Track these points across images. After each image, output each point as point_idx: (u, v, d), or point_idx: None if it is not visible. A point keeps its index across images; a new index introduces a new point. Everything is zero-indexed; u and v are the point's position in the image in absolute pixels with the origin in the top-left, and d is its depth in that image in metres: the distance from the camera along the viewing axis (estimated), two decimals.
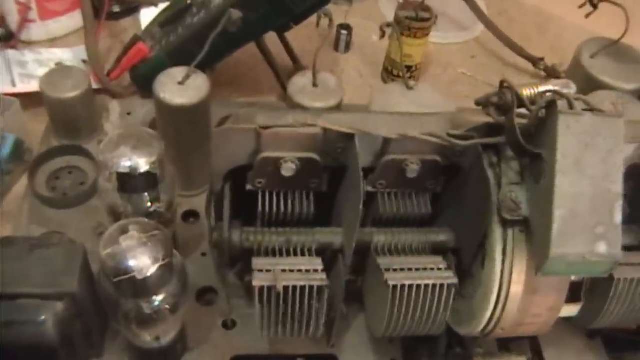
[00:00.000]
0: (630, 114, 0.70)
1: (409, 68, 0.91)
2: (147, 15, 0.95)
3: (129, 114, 0.81)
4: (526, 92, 0.68)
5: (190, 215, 0.74)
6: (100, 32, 0.91)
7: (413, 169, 0.54)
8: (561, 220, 0.46)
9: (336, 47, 0.98)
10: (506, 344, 0.66)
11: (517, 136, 0.49)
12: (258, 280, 0.50)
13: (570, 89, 0.70)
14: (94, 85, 0.81)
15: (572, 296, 0.56)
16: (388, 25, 0.70)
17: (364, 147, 0.52)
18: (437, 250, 0.57)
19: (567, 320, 0.59)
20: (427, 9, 0.88)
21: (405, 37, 0.88)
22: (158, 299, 0.54)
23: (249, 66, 0.93)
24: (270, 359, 0.63)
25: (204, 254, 0.70)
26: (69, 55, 0.90)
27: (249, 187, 0.55)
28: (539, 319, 0.54)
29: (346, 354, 0.64)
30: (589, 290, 0.56)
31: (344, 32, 0.96)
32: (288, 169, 0.53)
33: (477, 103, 0.51)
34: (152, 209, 0.62)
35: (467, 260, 0.55)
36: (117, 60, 0.86)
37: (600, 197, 0.47)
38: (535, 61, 0.98)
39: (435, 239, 0.57)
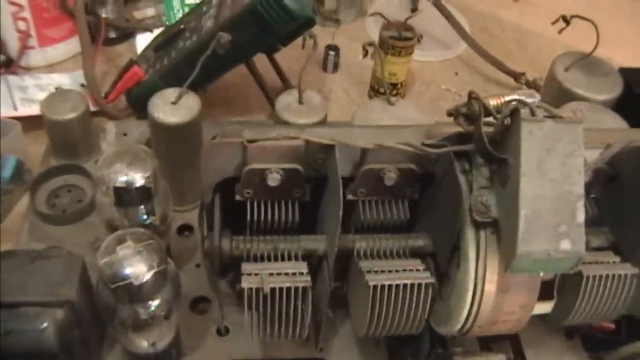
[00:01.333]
0: (601, 123, 0.75)
1: (394, 85, 0.95)
2: (143, 41, 0.99)
3: (125, 134, 0.85)
4: (493, 102, 0.71)
5: (185, 229, 0.77)
6: (97, 57, 0.95)
7: (390, 177, 0.57)
8: (526, 220, 0.50)
9: (324, 68, 1.02)
10: (488, 345, 0.69)
11: (484, 143, 0.52)
12: (246, 283, 0.53)
13: (534, 99, 0.73)
14: (92, 108, 0.85)
15: (545, 294, 0.59)
16: (370, 44, 0.73)
17: (344, 158, 0.56)
18: (416, 254, 0.60)
19: (543, 318, 0.63)
20: (410, 28, 0.92)
21: (389, 55, 0.92)
22: (153, 304, 0.57)
23: (240, 88, 0.97)
24: None
25: (197, 265, 0.73)
26: (67, 80, 0.94)
27: (237, 197, 0.59)
28: (513, 316, 0.57)
29: (334, 357, 0.67)
30: (560, 288, 0.59)
31: (331, 52, 1.00)
32: (273, 179, 0.56)
33: (449, 114, 0.55)
34: (147, 222, 0.65)
35: (444, 263, 0.58)
36: (113, 84, 0.90)
37: (562, 198, 0.51)
38: (516, 76, 1.02)
39: (414, 243, 0.60)
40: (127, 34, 1.02)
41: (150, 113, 0.70)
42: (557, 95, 0.82)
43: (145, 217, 0.65)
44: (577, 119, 0.52)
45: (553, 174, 0.51)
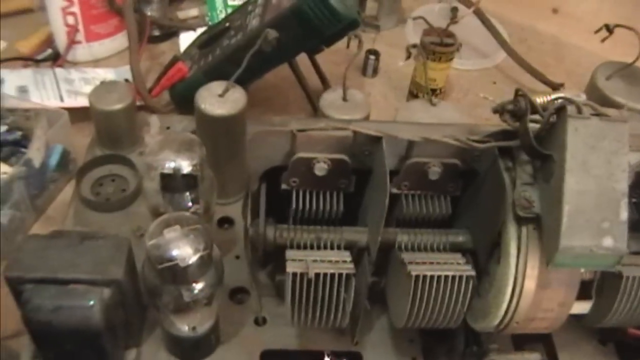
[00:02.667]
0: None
1: (432, 91, 0.96)
2: (186, 39, 1.01)
3: (168, 128, 0.87)
4: (539, 100, 0.72)
5: (225, 221, 0.78)
6: (141, 54, 0.98)
7: (435, 172, 0.58)
8: (569, 215, 0.50)
9: (364, 72, 1.03)
10: (521, 346, 0.69)
11: (530, 139, 0.53)
12: (291, 268, 0.54)
13: (580, 97, 0.74)
14: (137, 102, 0.87)
15: (583, 294, 0.60)
16: (414, 46, 0.75)
17: (390, 150, 0.57)
18: (455, 250, 0.61)
19: (579, 319, 0.63)
20: (451, 35, 0.94)
21: (429, 61, 0.93)
22: (197, 287, 0.58)
23: (280, 89, 0.98)
24: (298, 355, 0.67)
25: (237, 257, 0.74)
26: (112, 75, 0.96)
27: (283, 186, 0.60)
28: (551, 313, 0.58)
29: (370, 352, 0.67)
30: (599, 288, 0.60)
31: (371, 57, 1.01)
32: (320, 169, 0.58)
33: (494, 110, 0.56)
34: (191, 210, 0.67)
35: (483, 260, 0.59)
36: (157, 79, 0.92)
37: (606, 195, 0.51)
38: (555, 87, 1.02)
39: (454, 239, 0.61)
40: (170, 33, 1.05)
41: (197, 104, 0.72)
42: (598, 104, 0.82)
43: (190, 204, 0.66)
44: (623, 118, 0.52)
45: (597, 171, 0.51)
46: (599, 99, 0.83)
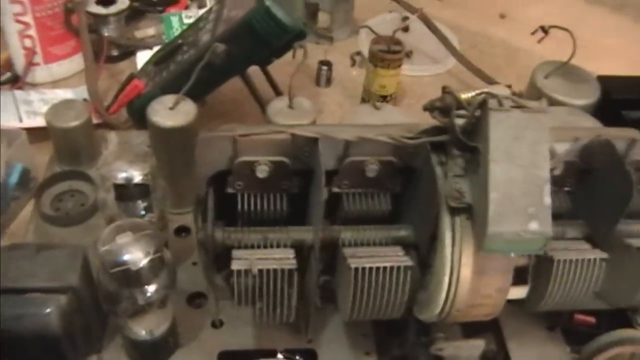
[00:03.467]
0: (579, 125, 0.79)
1: (383, 97, 0.99)
2: (143, 58, 1.04)
3: (126, 143, 0.89)
4: (464, 96, 0.75)
5: (182, 230, 0.81)
6: (100, 74, 1.00)
7: (372, 169, 0.61)
8: (496, 202, 0.53)
9: (317, 82, 1.06)
10: (471, 336, 0.71)
11: (456, 133, 0.56)
12: (236, 265, 0.57)
13: (504, 92, 0.77)
14: (95, 120, 0.89)
15: (519, 279, 0.62)
16: (357, 53, 0.78)
17: (327, 151, 0.60)
18: (398, 244, 0.63)
19: (520, 305, 0.66)
20: (398, 42, 0.97)
21: (379, 68, 0.96)
22: (150, 289, 0.60)
23: (236, 101, 1.01)
24: (253, 354, 0.69)
25: (194, 264, 0.76)
26: (71, 95, 0.98)
27: (229, 190, 0.63)
28: (490, 299, 0.60)
29: (324, 349, 0.70)
30: (534, 273, 0.63)
31: (324, 67, 1.04)
32: (262, 171, 0.60)
33: (424, 108, 0.59)
34: (145, 218, 0.69)
35: (425, 252, 0.62)
36: (115, 97, 0.95)
37: (530, 182, 0.54)
38: None
39: (396, 234, 0.64)
40: (128, 52, 1.07)
41: (149, 117, 0.74)
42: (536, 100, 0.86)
43: (143, 212, 0.69)
44: (543, 109, 0.55)
45: (521, 160, 0.54)
46: (538, 97, 0.86)
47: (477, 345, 0.65)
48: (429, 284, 0.62)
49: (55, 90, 1.00)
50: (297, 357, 0.68)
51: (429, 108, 0.59)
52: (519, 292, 0.63)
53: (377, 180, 0.62)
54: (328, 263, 0.65)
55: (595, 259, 0.62)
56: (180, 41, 0.93)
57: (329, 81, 1.06)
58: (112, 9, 1.04)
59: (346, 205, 0.63)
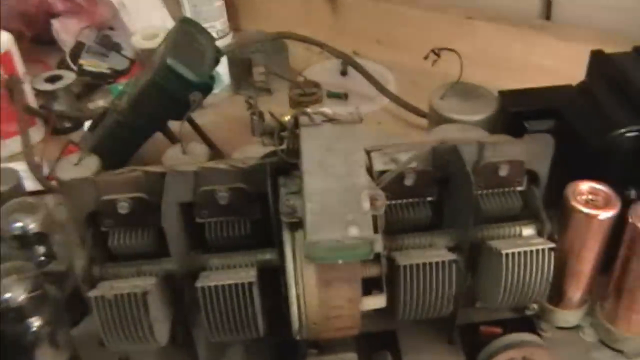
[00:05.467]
0: None
1: None
2: None
3: (60, 204, 0.96)
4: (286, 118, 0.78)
5: None
6: (49, 145, 1.08)
7: (223, 196, 0.65)
8: (312, 212, 0.56)
9: (253, 132, 1.11)
10: (367, 352, 0.73)
11: (279, 154, 0.60)
12: (91, 293, 0.61)
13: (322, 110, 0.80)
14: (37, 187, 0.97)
15: (375, 288, 0.64)
16: (250, 97, 0.82)
17: (179, 184, 0.64)
18: (265, 268, 0.67)
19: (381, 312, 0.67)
20: (315, 84, 1.02)
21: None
22: (35, 323, 0.66)
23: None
24: None
25: None
26: (24, 167, 1.06)
27: (102, 228, 0.68)
28: (343, 310, 0.62)
29: None
30: (387, 281, 0.65)
31: (255, 117, 1.09)
32: (122, 207, 0.65)
33: (259, 134, 0.63)
34: (48, 265, 0.76)
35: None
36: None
37: (347, 190, 0.57)
38: None
39: (262, 257, 0.67)
40: (79, 123, 1.15)
41: (56, 174, 0.81)
42: (437, 122, 0.89)
43: (42, 258, 0.75)
44: (355, 119, 0.59)
45: (335, 170, 0.58)
46: (437, 118, 0.89)
47: (348, 358, 0.66)
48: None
49: (10, 164, 1.08)
50: None
51: (262, 133, 0.63)
52: (377, 302, 0.64)
53: (232, 207, 0.66)
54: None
55: (443, 262, 0.63)
56: (107, 106, 1.00)
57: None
58: (59, 85, 1.13)
59: (207, 233, 0.67)
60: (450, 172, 0.68)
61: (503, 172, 0.68)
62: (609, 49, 0.83)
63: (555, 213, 0.71)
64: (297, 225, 0.61)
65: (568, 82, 1.08)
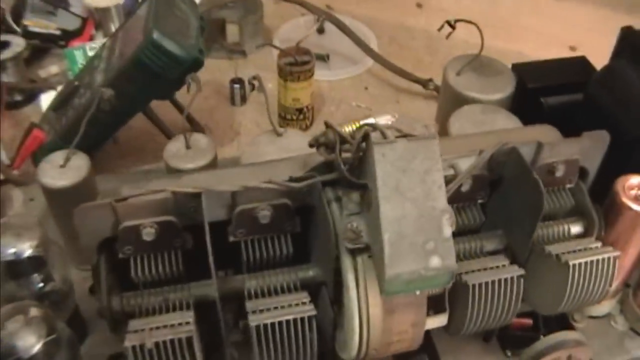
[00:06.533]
0: (494, 124, 0.76)
1: (299, 110, 0.96)
2: (47, 100, 0.98)
3: (31, 199, 0.84)
4: (348, 129, 0.72)
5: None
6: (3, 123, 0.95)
7: (264, 215, 0.57)
8: (390, 243, 0.50)
9: (232, 101, 1.02)
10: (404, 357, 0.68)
11: (343, 172, 0.52)
12: (129, 341, 0.53)
13: (389, 120, 0.74)
14: None
15: (437, 307, 0.59)
16: (254, 78, 0.74)
17: (214, 203, 0.56)
18: (308, 285, 0.60)
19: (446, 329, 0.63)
20: (307, 52, 0.93)
21: (289, 82, 0.92)
22: None
23: (151, 135, 0.96)
24: None
25: None
26: None
27: (120, 255, 0.59)
28: (406, 335, 0.58)
29: None
30: (451, 299, 0.60)
31: (236, 86, 1.00)
32: (148, 234, 0.56)
33: (310, 145, 0.55)
34: (47, 289, 0.66)
35: (332, 292, 0.58)
36: (17, 150, 0.90)
37: (426, 215, 0.51)
38: (424, 83, 1.03)
39: (304, 275, 0.60)
40: (33, 95, 1.02)
41: (38, 179, 0.70)
42: (452, 100, 0.82)
43: (41, 284, 0.65)
44: (431, 134, 0.52)
45: (412, 193, 0.51)
46: (452, 96, 0.83)
47: None
48: (344, 324, 0.58)
49: None
50: None
51: (314, 144, 0.55)
52: (438, 321, 0.60)
53: (273, 224, 0.58)
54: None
55: (512, 277, 0.59)
56: (76, 83, 0.88)
57: (243, 99, 1.01)
58: (7, 54, 0.99)
59: (245, 253, 0.59)
60: (504, 173, 0.63)
61: (559, 172, 0.63)
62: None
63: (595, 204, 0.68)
64: (361, 250, 0.54)
65: (554, 42, 1.05)
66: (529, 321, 0.73)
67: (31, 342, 0.55)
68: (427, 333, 0.71)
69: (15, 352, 0.55)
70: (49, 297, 0.66)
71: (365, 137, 0.51)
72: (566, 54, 1.07)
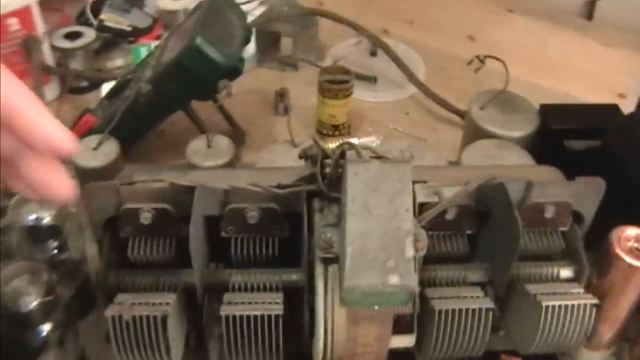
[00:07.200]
0: (507, 160, 0.77)
1: (335, 127, 0.99)
2: (107, 89, 1.06)
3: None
4: (332, 145, 0.74)
5: None
6: (63, 106, 1.03)
7: (252, 216, 0.61)
8: (352, 255, 0.53)
9: (275, 111, 1.07)
10: None
11: (320, 184, 0.56)
12: (109, 311, 0.58)
13: (373, 142, 0.76)
14: None
15: (405, 327, 0.62)
16: (281, 93, 0.78)
17: (208, 197, 0.61)
18: (291, 288, 0.63)
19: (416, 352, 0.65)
20: (347, 71, 0.97)
21: (327, 98, 0.96)
22: (45, 329, 0.63)
23: (195, 133, 1.02)
24: None
25: None
26: None
27: (122, 234, 0.64)
28: (371, 348, 0.60)
29: None
30: (420, 322, 0.62)
31: (278, 97, 1.05)
32: (146, 218, 0.61)
33: (300, 156, 0.59)
34: (61, 257, 0.72)
35: (310, 298, 0.61)
36: (70, 130, 0.97)
37: (390, 234, 0.54)
38: (462, 114, 1.04)
39: (287, 278, 0.64)
40: (96, 83, 1.10)
41: (73, 159, 0.77)
42: (473, 134, 0.84)
43: (56, 251, 0.71)
44: (405, 158, 0.55)
45: (380, 212, 0.54)
46: (473, 130, 0.85)
47: None
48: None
49: None
50: None
51: (303, 156, 0.59)
52: (405, 341, 0.62)
53: (261, 225, 0.62)
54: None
55: (480, 309, 0.60)
56: (129, 76, 0.95)
57: (286, 109, 1.06)
58: (78, 43, 1.07)
59: (233, 249, 0.64)
60: (492, 207, 0.64)
61: (549, 213, 0.64)
62: None
63: (591, 252, 0.68)
64: (332, 260, 0.58)
65: (603, 88, 1.05)
66: (519, 359, 0.74)
67: (30, 298, 0.61)
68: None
69: (16, 305, 0.61)
70: (62, 264, 0.72)
71: (342, 155, 0.55)
72: (614, 100, 1.06)
